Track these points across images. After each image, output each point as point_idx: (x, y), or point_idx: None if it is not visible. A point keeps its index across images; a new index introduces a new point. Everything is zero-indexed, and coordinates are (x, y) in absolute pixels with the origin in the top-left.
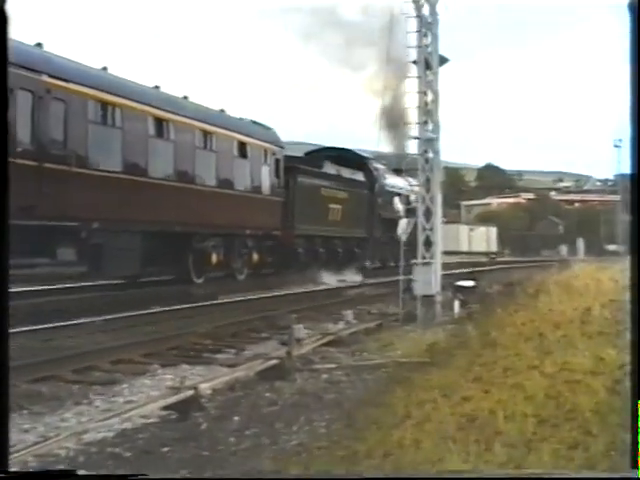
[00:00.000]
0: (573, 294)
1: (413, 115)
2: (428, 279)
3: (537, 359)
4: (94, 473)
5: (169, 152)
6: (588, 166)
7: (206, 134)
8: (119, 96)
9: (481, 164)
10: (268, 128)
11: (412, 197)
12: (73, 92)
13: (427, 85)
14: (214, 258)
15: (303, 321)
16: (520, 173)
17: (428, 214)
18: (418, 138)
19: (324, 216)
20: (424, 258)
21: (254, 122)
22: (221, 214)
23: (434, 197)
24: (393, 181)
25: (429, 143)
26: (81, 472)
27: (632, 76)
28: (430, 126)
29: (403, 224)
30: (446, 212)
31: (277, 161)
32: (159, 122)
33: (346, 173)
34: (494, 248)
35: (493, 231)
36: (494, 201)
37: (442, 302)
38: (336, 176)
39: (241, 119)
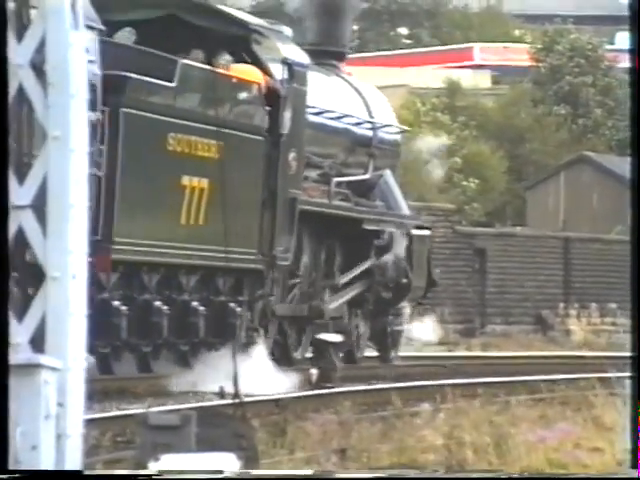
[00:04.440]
0: None
1: None
2: None
3: None
4: (95, 473)
5: None
6: None
7: None
8: None
9: None
10: None
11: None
12: None
13: None
14: None
15: None
16: None
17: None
18: None
19: (173, 211)
20: None
21: None
22: None
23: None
24: (328, 96)
25: None
26: (89, 472)
27: (632, 76)
28: None
29: None
30: None
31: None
32: None
33: (217, 84)
34: None
35: None
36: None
37: None
38: (200, 97)
39: None
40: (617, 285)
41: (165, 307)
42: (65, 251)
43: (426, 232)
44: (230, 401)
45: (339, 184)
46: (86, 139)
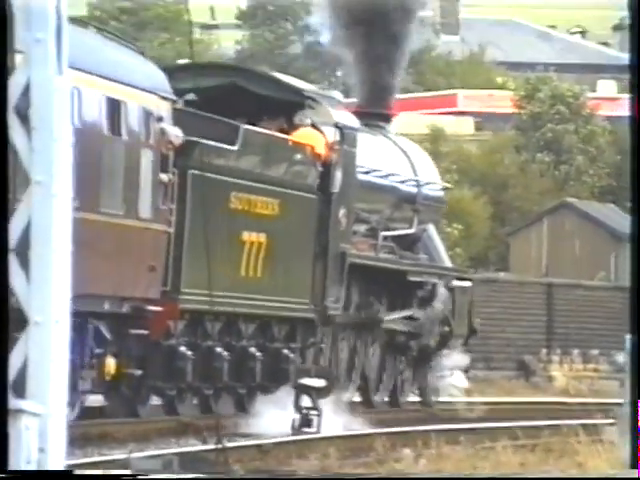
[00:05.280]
0: None
1: None
2: None
3: None
4: (85, 473)
5: None
6: None
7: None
8: None
9: None
10: (140, 52)
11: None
12: None
13: None
14: None
15: None
16: None
17: None
18: None
19: (233, 264)
20: None
21: (110, 36)
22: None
23: None
24: (376, 156)
25: None
26: (80, 472)
27: (632, 76)
28: None
29: None
30: None
31: (163, 133)
32: None
33: (274, 147)
34: None
35: None
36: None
37: None
38: (259, 159)
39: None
40: (599, 331)
41: (226, 353)
42: (48, 296)
43: (467, 283)
44: (212, 447)
45: (385, 238)
46: (70, 184)
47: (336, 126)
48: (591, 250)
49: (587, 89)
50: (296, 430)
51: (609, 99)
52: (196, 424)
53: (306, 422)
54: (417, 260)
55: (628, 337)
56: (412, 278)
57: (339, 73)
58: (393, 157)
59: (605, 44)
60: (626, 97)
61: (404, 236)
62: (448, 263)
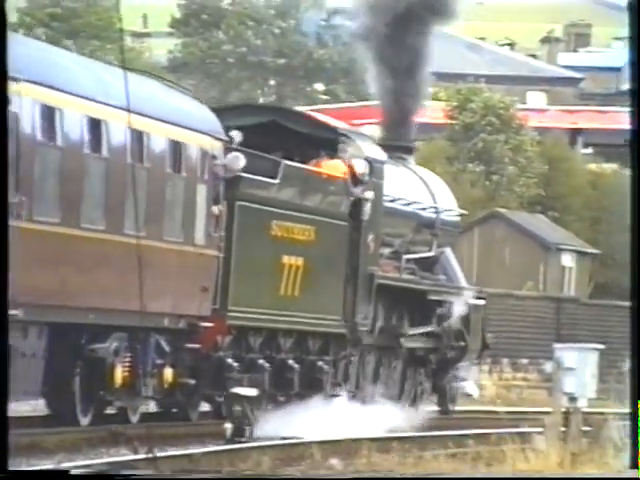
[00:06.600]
0: None
1: None
2: None
3: None
4: (91, 473)
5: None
6: None
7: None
8: None
9: None
10: (196, 99)
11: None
12: None
13: None
14: (118, 374)
15: None
16: None
17: None
18: None
19: (274, 284)
20: None
21: (167, 83)
22: (134, 288)
23: None
24: (399, 185)
25: None
26: (78, 472)
27: (632, 78)
28: None
29: None
30: None
31: (215, 171)
32: None
33: (311, 180)
34: None
35: None
36: None
37: None
38: (297, 191)
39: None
40: (529, 341)
41: (267, 364)
42: None
43: (481, 302)
44: (143, 456)
45: (408, 260)
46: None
47: (366, 160)
48: (520, 259)
49: (518, 100)
50: (229, 439)
51: (538, 110)
52: (127, 434)
53: (239, 431)
54: (436, 280)
55: (556, 346)
56: (432, 297)
57: (272, 82)
58: (414, 186)
59: (533, 56)
60: (554, 109)
61: (424, 258)
62: (464, 283)
